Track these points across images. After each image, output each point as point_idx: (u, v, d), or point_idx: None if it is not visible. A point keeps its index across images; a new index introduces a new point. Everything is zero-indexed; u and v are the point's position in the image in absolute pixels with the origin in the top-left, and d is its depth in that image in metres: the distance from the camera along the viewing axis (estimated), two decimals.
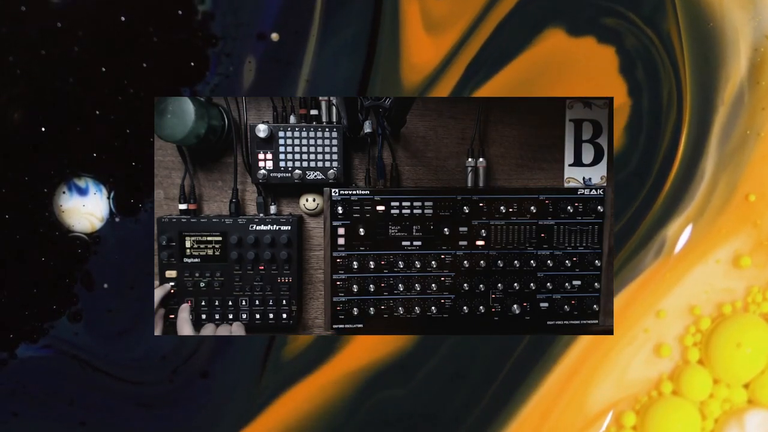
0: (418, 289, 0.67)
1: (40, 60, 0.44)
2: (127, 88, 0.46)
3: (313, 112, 0.67)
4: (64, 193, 0.46)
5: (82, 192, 0.47)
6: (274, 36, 0.47)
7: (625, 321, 0.49)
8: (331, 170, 0.65)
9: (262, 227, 0.65)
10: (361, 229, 0.65)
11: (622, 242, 0.49)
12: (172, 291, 0.65)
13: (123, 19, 0.44)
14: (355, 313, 0.66)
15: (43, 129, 0.45)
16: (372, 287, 0.66)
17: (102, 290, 0.47)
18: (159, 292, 0.63)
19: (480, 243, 0.67)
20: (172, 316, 0.65)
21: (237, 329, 0.63)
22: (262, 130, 0.63)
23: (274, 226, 0.65)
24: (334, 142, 0.65)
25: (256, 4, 0.47)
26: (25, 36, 0.44)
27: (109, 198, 0.47)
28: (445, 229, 0.66)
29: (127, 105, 0.46)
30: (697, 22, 0.48)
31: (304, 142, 0.65)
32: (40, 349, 0.47)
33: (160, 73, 0.46)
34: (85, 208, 0.47)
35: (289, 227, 0.66)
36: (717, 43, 0.48)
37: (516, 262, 0.67)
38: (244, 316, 0.66)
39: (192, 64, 0.46)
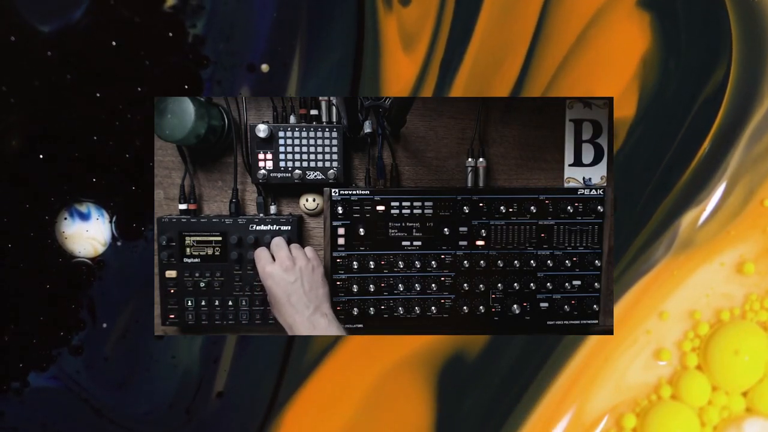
0: (418, 289, 0.67)
1: (33, 89, 0.44)
2: (123, 113, 0.46)
3: (313, 112, 0.67)
4: (65, 219, 0.47)
5: (84, 217, 0.47)
6: (264, 67, 0.47)
7: (630, 320, 0.48)
8: (331, 170, 0.65)
9: (262, 227, 0.65)
10: (361, 229, 0.65)
11: (635, 231, 0.48)
12: None
13: (114, 44, 0.44)
14: (355, 313, 0.66)
15: (41, 156, 0.45)
16: (372, 287, 0.66)
17: (101, 329, 0.47)
18: None
19: (480, 243, 0.67)
20: (172, 315, 0.66)
21: None
22: (262, 130, 0.63)
23: (274, 226, 0.65)
24: (334, 142, 0.65)
25: (246, 33, 0.47)
26: (17, 66, 0.44)
27: (111, 222, 0.47)
28: (445, 229, 0.66)
29: (124, 129, 0.46)
30: None
31: (304, 142, 0.65)
32: (50, 380, 0.47)
33: (155, 97, 0.47)
34: (88, 233, 0.47)
35: (289, 227, 0.66)
36: (764, 18, 0.46)
37: (516, 262, 0.67)
38: (244, 316, 0.66)
39: (186, 87, 0.46)
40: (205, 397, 0.48)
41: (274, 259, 0.59)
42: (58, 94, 0.45)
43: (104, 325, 0.47)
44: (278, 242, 0.61)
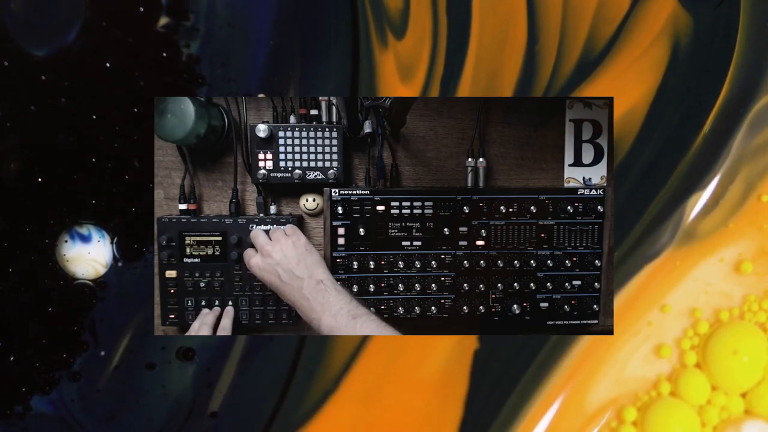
0: (418, 289, 0.67)
1: (28, 113, 0.45)
2: (120, 135, 0.46)
3: (313, 112, 0.67)
4: (66, 242, 0.47)
5: (85, 239, 0.47)
6: (261, 96, 0.47)
7: (633, 310, 0.48)
8: (331, 170, 0.65)
9: (262, 227, 0.65)
10: (361, 229, 0.65)
11: (636, 217, 0.48)
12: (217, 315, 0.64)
13: (108, 65, 0.44)
14: None
15: (39, 179, 0.45)
16: (372, 287, 0.66)
17: (99, 357, 0.47)
18: (210, 319, 0.62)
19: (480, 243, 0.67)
20: (172, 315, 0.66)
21: (227, 318, 0.64)
22: (262, 130, 0.63)
23: (274, 226, 0.65)
24: (334, 142, 0.65)
25: (242, 60, 0.47)
26: (11, 91, 0.44)
27: (112, 243, 0.47)
28: (445, 229, 0.66)
29: (122, 151, 0.46)
30: None
31: (304, 142, 0.65)
32: (49, 405, 0.47)
33: (152, 118, 0.47)
34: (90, 255, 0.47)
35: None
36: None
37: (516, 262, 0.67)
38: (244, 316, 0.66)
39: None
40: (198, 419, 0.48)
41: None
42: (55, 117, 0.45)
43: (102, 353, 0.47)
44: (255, 234, 0.60)
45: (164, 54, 0.45)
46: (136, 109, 0.45)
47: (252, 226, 0.65)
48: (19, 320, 0.46)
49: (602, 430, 0.48)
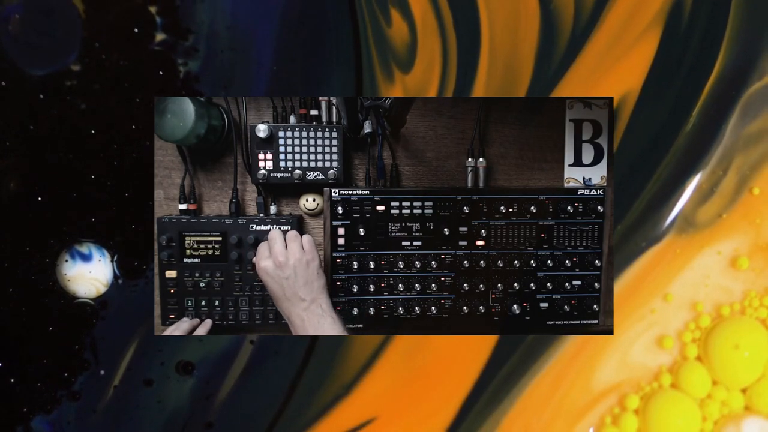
0: (418, 289, 0.67)
1: (27, 132, 0.45)
2: (119, 152, 0.46)
3: (313, 112, 0.67)
4: (66, 261, 0.47)
5: (86, 258, 0.47)
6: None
7: (635, 297, 0.48)
8: (331, 170, 0.65)
9: (262, 227, 0.65)
10: (361, 229, 0.65)
11: (632, 200, 0.48)
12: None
13: (105, 82, 0.45)
14: (355, 313, 0.66)
15: (39, 198, 0.45)
16: (372, 287, 0.66)
17: (99, 376, 0.47)
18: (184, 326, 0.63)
19: (480, 243, 0.67)
20: (172, 316, 0.66)
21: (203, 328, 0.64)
22: (262, 130, 0.63)
23: (274, 226, 0.65)
24: (334, 142, 0.65)
25: (245, 82, 0.47)
26: (10, 110, 0.45)
27: (113, 261, 0.47)
28: (445, 229, 0.66)
29: (121, 168, 0.46)
30: None
31: (304, 142, 0.65)
32: (47, 425, 0.47)
33: (150, 134, 0.47)
34: (91, 274, 0.47)
35: (289, 227, 0.66)
36: None
37: (516, 262, 0.67)
38: (244, 316, 0.66)
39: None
40: (193, 430, 0.48)
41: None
42: (53, 135, 0.45)
43: (102, 372, 0.47)
44: (273, 235, 0.59)
45: (161, 72, 0.45)
46: (134, 126, 0.46)
47: (252, 226, 0.65)
48: (20, 340, 0.46)
49: (605, 416, 0.48)
